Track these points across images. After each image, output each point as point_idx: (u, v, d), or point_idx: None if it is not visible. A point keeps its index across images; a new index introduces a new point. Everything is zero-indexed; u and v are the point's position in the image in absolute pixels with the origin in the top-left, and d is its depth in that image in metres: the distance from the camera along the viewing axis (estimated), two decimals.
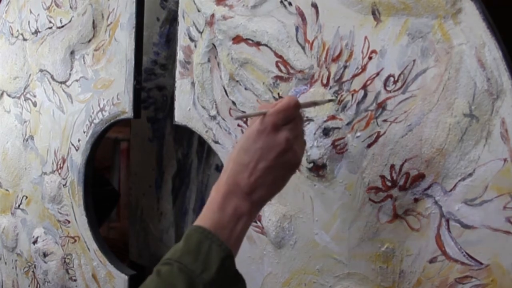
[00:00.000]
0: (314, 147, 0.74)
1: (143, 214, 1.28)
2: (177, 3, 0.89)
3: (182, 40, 0.89)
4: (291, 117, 0.58)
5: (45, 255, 1.17)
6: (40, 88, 1.16)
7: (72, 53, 1.08)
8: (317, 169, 0.74)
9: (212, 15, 0.84)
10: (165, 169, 1.23)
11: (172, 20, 1.15)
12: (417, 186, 0.66)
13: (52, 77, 1.13)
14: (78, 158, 1.09)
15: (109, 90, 1.02)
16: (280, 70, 0.77)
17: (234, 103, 0.83)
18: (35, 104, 1.17)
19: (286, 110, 0.58)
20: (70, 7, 1.08)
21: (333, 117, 0.72)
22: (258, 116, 0.59)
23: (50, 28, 1.12)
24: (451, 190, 0.64)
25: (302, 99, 0.75)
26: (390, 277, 0.70)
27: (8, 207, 1.27)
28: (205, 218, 0.56)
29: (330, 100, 0.71)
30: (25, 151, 1.21)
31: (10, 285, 1.28)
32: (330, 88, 0.72)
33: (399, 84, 0.67)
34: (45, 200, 1.17)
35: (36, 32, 1.16)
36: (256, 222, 0.82)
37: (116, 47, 1.00)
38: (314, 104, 0.68)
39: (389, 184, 0.69)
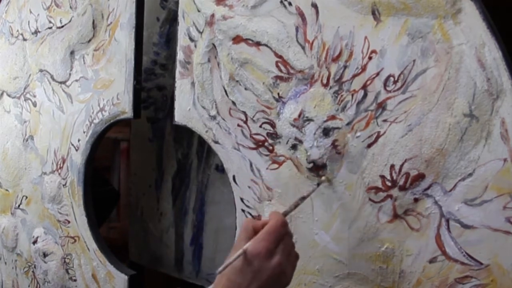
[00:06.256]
0: (314, 147, 0.74)
1: (143, 214, 1.28)
2: (177, 3, 0.89)
3: (182, 40, 0.89)
4: (281, 237, 0.61)
5: (45, 255, 1.17)
6: (40, 88, 1.16)
7: (72, 53, 1.08)
8: (317, 169, 0.74)
9: (212, 15, 0.84)
10: (165, 169, 1.23)
11: (172, 20, 1.15)
12: (417, 186, 0.66)
13: (52, 77, 1.12)
14: (78, 158, 1.09)
15: (109, 90, 1.02)
16: (280, 70, 0.77)
17: (234, 103, 0.83)
18: (35, 104, 1.17)
19: (275, 231, 0.61)
20: (70, 7, 1.08)
21: (333, 117, 0.72)
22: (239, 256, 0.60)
23: (50, 28, 1.12)
24: (451, 190, 0.64)
25: (301, 99, 0.75)
26: (390, 277, 0.70)
27: (8, 207, 1.26)
28: None
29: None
30: (25, 151, 1.21)
31: (10, 285, 1.28)
32: (330, 88, 0.72)
33: (399, 84, 0.67)
34: (45, 200, 1.17)
35: (36, 32, 1.16)
36: None
37: (116, 47, 1.00)
38: (301, 200, 0.71)
39: (389, 184, 0.69)
